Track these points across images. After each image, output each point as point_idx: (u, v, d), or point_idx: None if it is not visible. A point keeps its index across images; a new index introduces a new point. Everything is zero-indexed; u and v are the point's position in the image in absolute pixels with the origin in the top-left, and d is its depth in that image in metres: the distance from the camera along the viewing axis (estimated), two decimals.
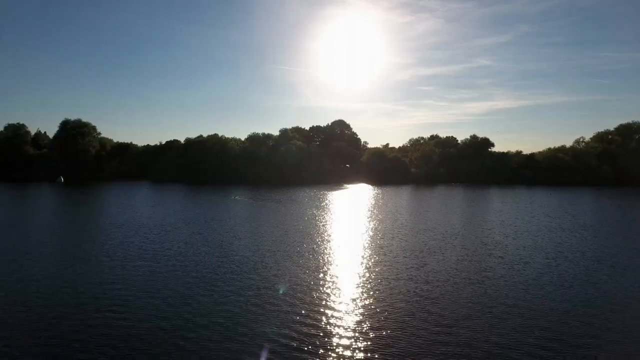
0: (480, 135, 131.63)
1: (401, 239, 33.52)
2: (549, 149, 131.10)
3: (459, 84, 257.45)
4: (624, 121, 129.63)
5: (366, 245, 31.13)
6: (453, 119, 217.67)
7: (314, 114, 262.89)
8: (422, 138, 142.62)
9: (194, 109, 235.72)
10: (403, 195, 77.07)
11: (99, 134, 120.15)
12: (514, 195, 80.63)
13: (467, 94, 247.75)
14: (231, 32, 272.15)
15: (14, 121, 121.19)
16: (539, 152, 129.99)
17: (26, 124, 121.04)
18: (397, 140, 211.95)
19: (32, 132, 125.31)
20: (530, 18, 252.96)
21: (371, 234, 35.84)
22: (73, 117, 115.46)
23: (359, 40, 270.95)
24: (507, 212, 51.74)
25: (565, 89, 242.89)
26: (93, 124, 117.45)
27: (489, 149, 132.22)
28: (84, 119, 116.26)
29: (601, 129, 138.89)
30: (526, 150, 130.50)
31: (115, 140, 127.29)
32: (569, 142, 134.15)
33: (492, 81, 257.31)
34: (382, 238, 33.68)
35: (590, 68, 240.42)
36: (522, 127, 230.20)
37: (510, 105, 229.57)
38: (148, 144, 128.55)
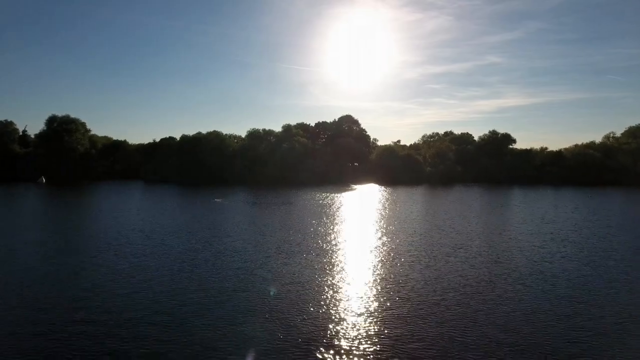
0: None
1: (427, 266, 23.88)
2: (576, 145, 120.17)
3: (468, 82, 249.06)
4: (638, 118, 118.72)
5: (376, 281, 21.60)
6: (463, 117, 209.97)
7: (321, 112, 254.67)
8: (437, 134, 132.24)
9: (201, 109, 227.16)
10: (418, 198, 67.29)
11: (89, 131, 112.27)
12: (545, 197, 70.32)
13: (476, 91, 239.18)
14: (239, 31, 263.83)
15: (19, 120, 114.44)
16: (566, 148, 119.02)
17: (24, 123, 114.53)
18: (406, 139, 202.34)
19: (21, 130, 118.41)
20: (540, 15, 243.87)
21: (382, 256, 26.25)
22: (78, 116, 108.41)
23: (368, 38, 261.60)
24: (554, 220, 41.71)
25: (576, 86, 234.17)
26: (82, 120, 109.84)
27: (510, 146, 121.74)
28: (88, 119, 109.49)
29: (615, 126, 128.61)
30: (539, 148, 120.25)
31: (115, 139, 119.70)
32: (583, 140, 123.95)
33: (502, 79, 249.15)
34: (399, 265, 24.12)
35: (603, 65, 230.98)
36: (533, 124, 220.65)
37: (520, 103, 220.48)
38: (143, 143, 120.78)
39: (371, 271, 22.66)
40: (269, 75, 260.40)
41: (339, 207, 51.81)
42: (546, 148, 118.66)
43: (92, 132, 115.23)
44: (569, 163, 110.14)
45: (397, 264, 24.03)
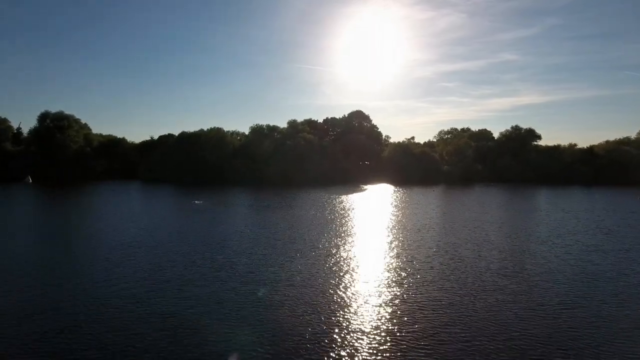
0: None
1: (468, 308, 15.91)
2: (607, 141, 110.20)
3: (482, 80, 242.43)
4: None
5: (389, 330, 13.83)
6: (476, 116, 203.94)
7: (333, 112, 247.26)
8: (455, 129, 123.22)
9: (211, 109, 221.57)
10: (438, 201, 59.09)
11: (85, 128, 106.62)
12: (583, 199, 61.49)
13: (490, 89, 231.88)
14: (250, 30, 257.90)
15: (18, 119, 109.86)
16: (596, 145, 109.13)
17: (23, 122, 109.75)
18: (418, 139, 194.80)
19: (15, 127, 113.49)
20: (555, 11, 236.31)
21: (398, 293, 18.39)
22: (82, 116, 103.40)
23: (380, 37, 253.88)
24: (615, 230, 33.24)
25: (592, 83, 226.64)
26: (87, 119, 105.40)
27: (534, 143, 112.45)
28: (93, 119, 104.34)
29: (632, 124, 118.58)
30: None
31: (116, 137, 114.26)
32: (598, 139, 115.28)
33: (516, 76, 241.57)
34: (423, 308, 16.29)
35: (619, 61, 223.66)
36: (548, 122, 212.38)
37: (535, 101, 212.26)
38: (143, 140, 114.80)
39: (382, 316, 14.91)
40: (281, 75, 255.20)
41: (344, 212, 44.05)
42: (575, 145, 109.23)
43: (96, 132, 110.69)
44: (601, 161, 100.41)
45: (418, 305, 16.23)
